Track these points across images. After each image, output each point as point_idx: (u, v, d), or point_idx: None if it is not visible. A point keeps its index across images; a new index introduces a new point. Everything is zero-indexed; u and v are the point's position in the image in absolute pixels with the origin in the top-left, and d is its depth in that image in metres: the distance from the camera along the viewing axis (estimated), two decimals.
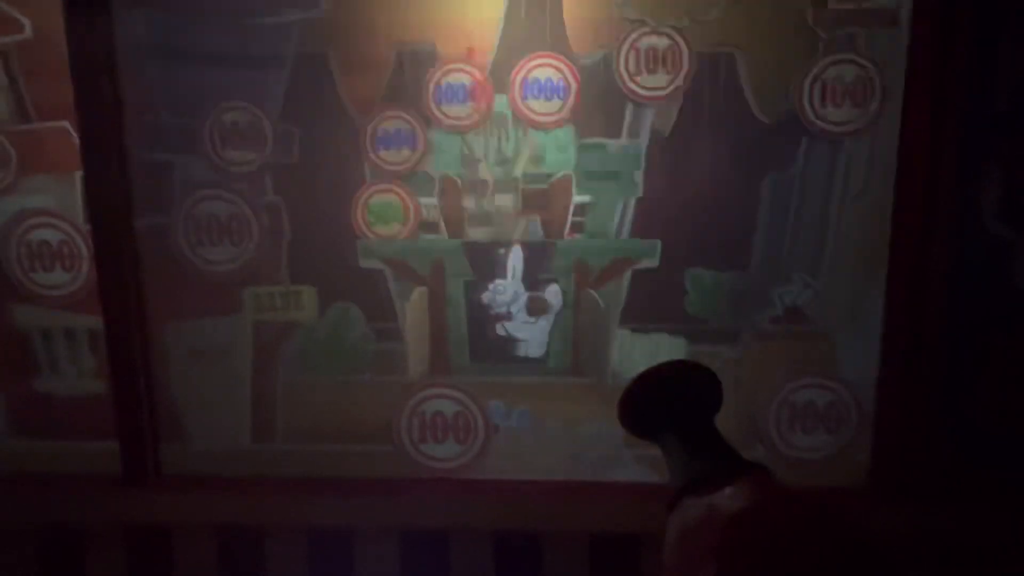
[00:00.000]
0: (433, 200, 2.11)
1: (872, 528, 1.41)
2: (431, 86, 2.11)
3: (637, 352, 2.13)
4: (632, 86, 2.04)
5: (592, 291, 2.12)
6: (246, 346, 2.16)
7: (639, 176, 2.08)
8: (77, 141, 2.12)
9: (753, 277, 2.10)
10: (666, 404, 1.04)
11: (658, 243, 2.09)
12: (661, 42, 2.02)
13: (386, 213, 2.11)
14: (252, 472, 2.18)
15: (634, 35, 2.02)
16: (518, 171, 2.09)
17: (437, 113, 2.08)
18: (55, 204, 2.17)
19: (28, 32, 2.11)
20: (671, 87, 2.04)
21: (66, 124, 2.13)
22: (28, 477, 2.22)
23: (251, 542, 2.18)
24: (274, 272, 2.15)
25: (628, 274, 2.12)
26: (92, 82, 2.08)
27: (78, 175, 2.14)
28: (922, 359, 2.08)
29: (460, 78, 2.11)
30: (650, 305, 2.11)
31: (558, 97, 2.05)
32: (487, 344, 2.15)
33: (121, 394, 2.16)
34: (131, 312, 2.15)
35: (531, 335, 2.12)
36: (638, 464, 2.15)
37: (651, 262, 2.10)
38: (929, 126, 2.01)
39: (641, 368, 2.11)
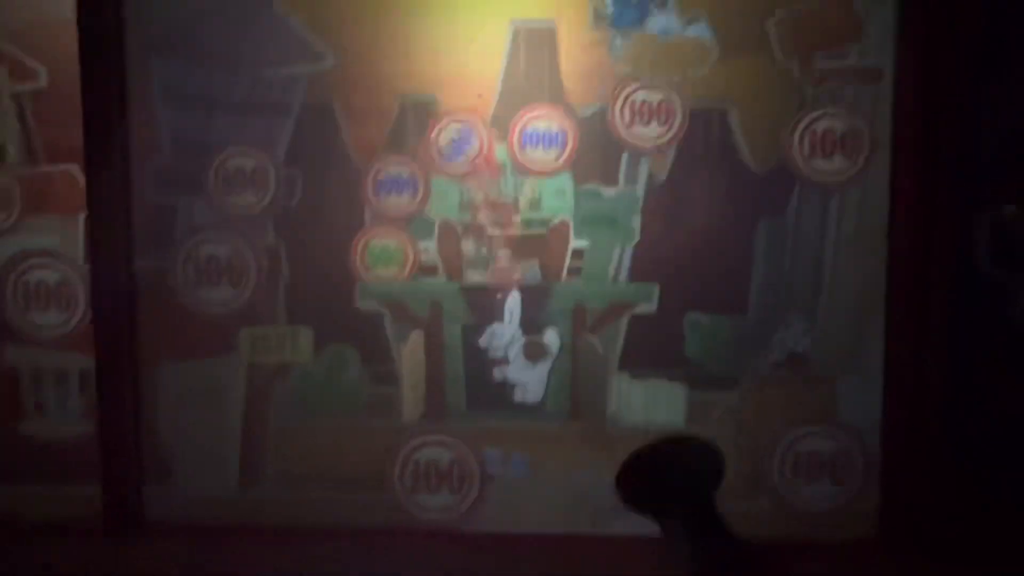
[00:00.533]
0: (432, 244, 1.97)
1: None
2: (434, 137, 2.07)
3: (636, 397, 1.97)
4: (627, 136, 1.94)
5: (590, 336, 1.96)
6: (239, 387, 2.00)
7: (636, 222, 1.98)
8: (83, 183, 1.97)
9: (752, 322, 1.97)
10: (666, 484, 0.97)
11: (656, 287, 1.95)
12: (654, 96, 1.94)
13: (385, 256, 1.99)
14: (238, 519, 1.97)
15: (628, 89, 1.94)
16: (516, 217, 1.96)
17: (438, 162, 2.08)
18: (57, 245, 2.02)
19: (43, 81, 2.04)
20: (665, 138, 1.93)
21: (74, 167, 2.00)
22: (7, 524, 1.96)
23: None
24: (271, 313, 2.00)
25: (626, 319, 1.97)
26: (103, 128, 2.01)
27: (81, 216, 1.99)
28: (926, 403, 1.90)
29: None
30: (648, 350, 1.97)
31: (556, 146, 1.98)
32: (484, 388, 1.99)
33: (108, 436, 1.99)
34: (124, 352, 1.99)
35: (528, 380, 1.96)
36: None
37: (648, 307, 1.96)
38: (918, 175, 1.97)
39: (640, 413, 1.93)
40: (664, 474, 0.97)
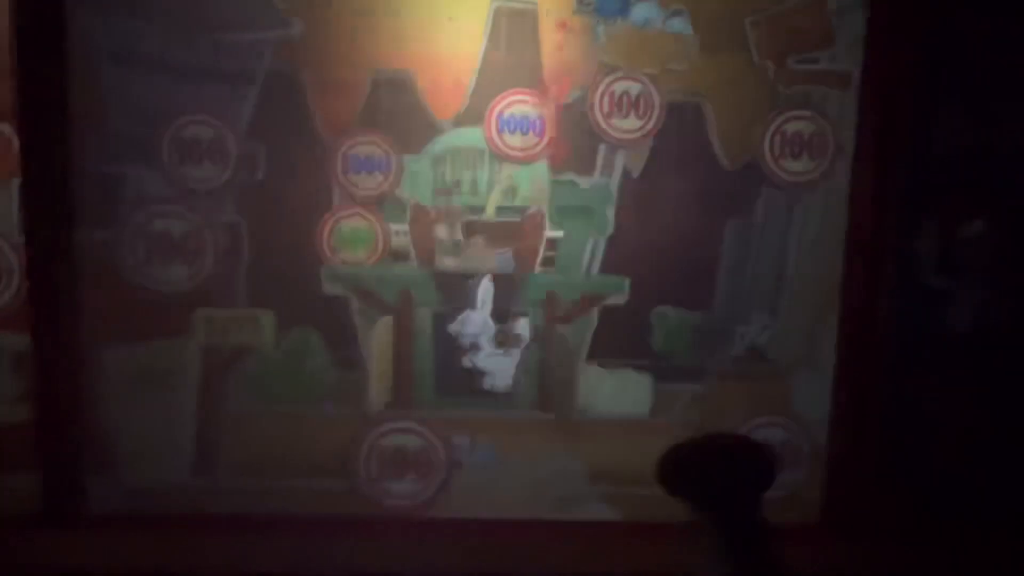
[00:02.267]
0: (403, 227, 1.47)
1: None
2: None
3: (604, 388, 1.56)
4: (605, 127, 1.50)
5: (561, 325, 1.51)
6: (193, 371, 1.47)
7: (611, 213, 1.51)
8: (17, 145, 1.36)
9: (717, 316, 1.56)
10: (720, 478, 0.75)
11: (627, 280, 1.51)
12: (634, 87, 1.47)
13: (354, 238, 1.47)
14: (191, 508, 1.45)
15: (609, 78, 1.46)
16: (491, 203, 1.48)
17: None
18: None
19: None
20: (642, 131, 1.48)
21: (6, 127, 1.38)
22: None
23: None
24: (230, 295, 1.46)
25: (597, 310, 1.52)
26: (38, 84, 1.38)
27: (16, 182, 1.38)
28: (871, 400, 1.55)
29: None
30: (617, 341, 1.55)
31: (534, 133, 1.48)
32: (453, 377, 1.53)
33: (46, 421, 1.41)
34: (63, 331, 1.42)
35: (498, 368, 1.51)
36: (602, 502, 1.53)
37: (619, 299, 1.54)
38: (875, 182, 1.60)
39: (607, 403, 1.51)
40: (716, 465, 0.80)
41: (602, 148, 1.57)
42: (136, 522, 1.47)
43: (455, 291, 1.56)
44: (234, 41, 1.48)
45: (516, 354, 1.58)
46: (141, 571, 1.46)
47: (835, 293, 1.62)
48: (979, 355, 1.65)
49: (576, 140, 1.56)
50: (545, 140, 1.54)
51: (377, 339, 1.54)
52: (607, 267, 1.58)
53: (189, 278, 1.50)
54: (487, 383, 1.57)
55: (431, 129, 1.53)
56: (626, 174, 1.57)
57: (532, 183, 1.55)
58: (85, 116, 1.46)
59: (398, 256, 1.54)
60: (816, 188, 1.61)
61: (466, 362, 1.56)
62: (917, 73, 1.57)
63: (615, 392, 1.58)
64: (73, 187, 1.47)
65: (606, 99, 1.54)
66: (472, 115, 1.52)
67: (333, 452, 1.53)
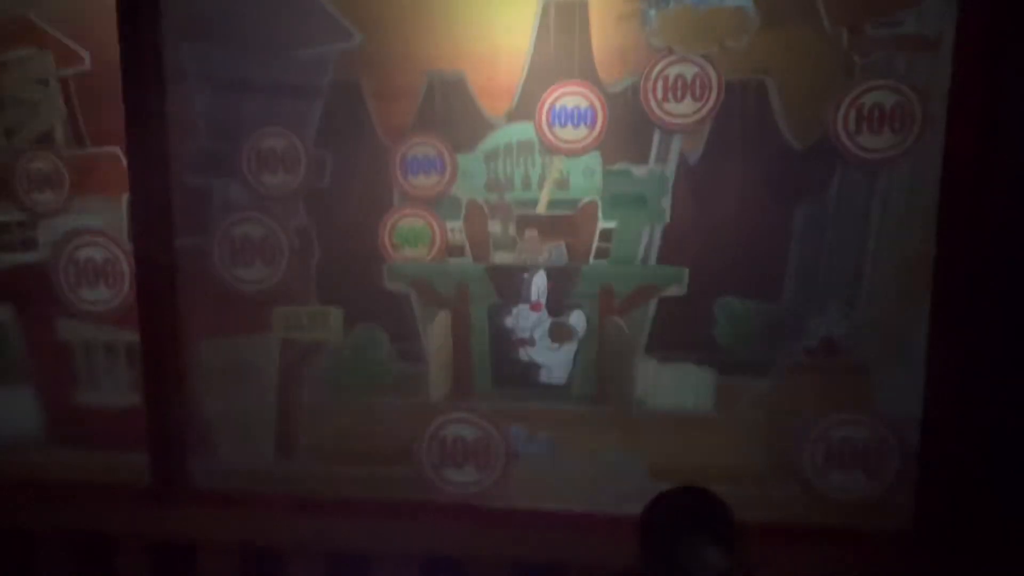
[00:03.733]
0: (459, 224, 1.20)
1: None
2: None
3: (663, 381, 1.21)
4: (660, 113, 1.15)
5: (617, 318, 1.18)
6: (273, 364, 1.27)
7: (666, 202, 1.17)
8: (125, 165, 1.23)
9: (786, 307, 1.17)
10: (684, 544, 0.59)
11: (685, 270, 1.15)
12: (689, 70, 1.14)
13: (413, 236, 1.22)
14: (273, 488, 1.26)
15: (662, 63, 1.12)
16: (544, 197, 1.18)
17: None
18: (103, 224, 1.30)
19: (87, 64, 1.30)
20: (699, 115, 1.11)
21: (117, 149, 1.27)
22: (63, 485, 1.33)
23: (271, 562, 1.23)
24: (303, 292, 1.27)
25: (654, 302, 1.17)
26: (142, 110, 1.27)
27: (125, 197, 1.26)
28: (971, 397, 1.09)
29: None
30: (677, 334, 1.19)
31: (585, 124, 1.17)
32: (510, 369, 1.24)
33: (154, 407, 1.31)
34: (167, 328, 1.29)
35: (554, 361, 1.20)
36: None
37: (678, 290, 1.18)
38: (975, 153, 1.11)
39: (667, 397, 1.14)
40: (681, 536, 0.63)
41: (657, 135, 1.22)
42: (230, 499, 1.32)
43: (510, 285, 1.27)
44: (302, 56, 1.27)
45: (571, 348, 1.27)
46: (231, 542, 1.30)
47: (924, 278, 1.17)
48: None
49: (629, 128, 1.22)
50: (597, 131, 1.22)
51: (436, 332, 1.29)
52: (664, 257, 1.24)
53: (268, 278, 1.32)
54: (543, 376, 1.28)
55: (484, 126, 1.26)
56: (683, 160, 1.22)
57: (585, 174, 1.23)
58: (179, 135, 1.31)
59: (454, 252, 1.28)
60: (900, 164, 1.16)
61: (522, 355, 1.28)
62: (1018, 28, 1.07)
63: (675, 386, 1.23)
64: (172, 200, 1.32)
65: (660, 84, 1.20)
66: (524, 110, 1.24)
67: (397, 441, 1.30)
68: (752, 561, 0.66)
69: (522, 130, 1.23)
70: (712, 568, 0.62)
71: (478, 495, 1.27)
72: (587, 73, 1.21)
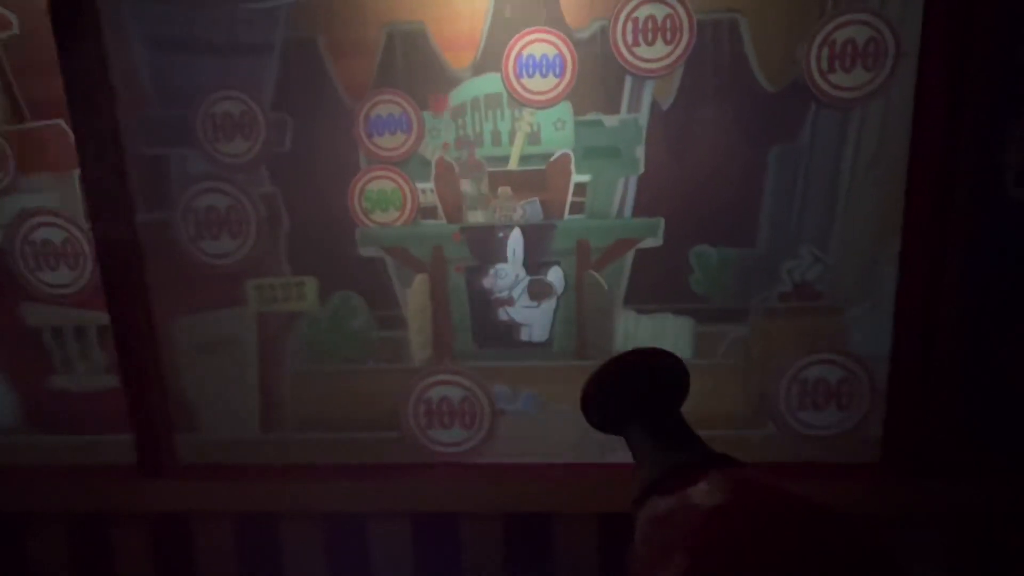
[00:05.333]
0: (430, 184, 0.88)
1: (863, 524, 0.37)
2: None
3: (642, 333, 0.98)
4: (630, 58, 0.85)
5: (594, 272, 0.90)
6: (251, 338, 0.99)
7: (640, 152, 0.89)
8: (73, 138, 0.86)
9: (760, 253, 0.93)
10: (630, 396, 0.47)
11: (661, 221, 0.87)
12: (660, 10, 0.86)
13: (383, 200, 0.92)
14: (262, 460, 0.98)
15: (631, 4, 0.82)
16: (515, 152, 0.86)
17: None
18: (56, 203, 1.00)
19: (16, 28, 0.91)
20: (671, 59, 0.80)
21: (61, 122, 0.90)
22: (48, 469, 1.08)
23: (267, 527, 1.00)
24: (275, 263, 0.97)
25: (631, 254, 0.89)
26: (82, 77, 0.92)
27: (77, 173, 0.89)
28: (937, 333, 0.89)
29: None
30: (654, 285, 0.96)
31: (554, 74, 0.87)
32: (491, 329, 1.01)
33: (132, 388, 1.05)
34: (137, 307, 1.00)
35: (534, 319, 0.95)
36: None
37: (654, 241, 0.93)
38: (947, 86, 1.00)
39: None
40: (628, 385, 0.48)
41: (628, 81, 0.92)
42: (220, 471, 1.05)
43: (486, 245, 0.98)
44: (252, 10, 0.92)
45: (551, 305, 0.99)
46: (225, 512, 1.03)
47: (895, 219, 0.92)
48: None
49: (599, 76, 0.92)
50: (566, 80, 0.90)
51: (414, 296, 1.01)
52: (640, 209, 0.98)
53: (237, 250, 1.00)
54: (524, 334, 1.02)
55: (449, 81, 0.93)
56: (655, 107, 0.92)
57: (556, 127, 0.93)
58: (127, 102, 0.95)
59: (427, 214, 0.97)
60: (872, 103, 0.89)
61: (502, 314, 1.01)
62: None
63: (654, 337, 1.00)
64: (127, 172, 0.98)
65: (629, 26, 0.92)
66: (489, 61, 0.92)
67: (383, 405, 1.05)
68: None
69: (489, 82, 0.92)
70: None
71: (466, 453, 1.02)
72: (553, 18, 0.92)
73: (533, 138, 1.06)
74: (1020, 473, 1.05)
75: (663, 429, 0.46)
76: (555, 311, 1.11)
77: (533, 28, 1.02)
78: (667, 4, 0.99)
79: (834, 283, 1.06)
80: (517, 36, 1.02)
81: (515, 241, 1.07)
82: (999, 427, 1.06)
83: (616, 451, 1.11)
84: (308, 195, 1.10)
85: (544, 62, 1.03)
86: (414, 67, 1.04)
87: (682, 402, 0.49)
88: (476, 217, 1.09)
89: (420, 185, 1.08)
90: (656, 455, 0.44)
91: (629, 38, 1.01)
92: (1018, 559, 1.07)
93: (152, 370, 1.14)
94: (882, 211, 1.04)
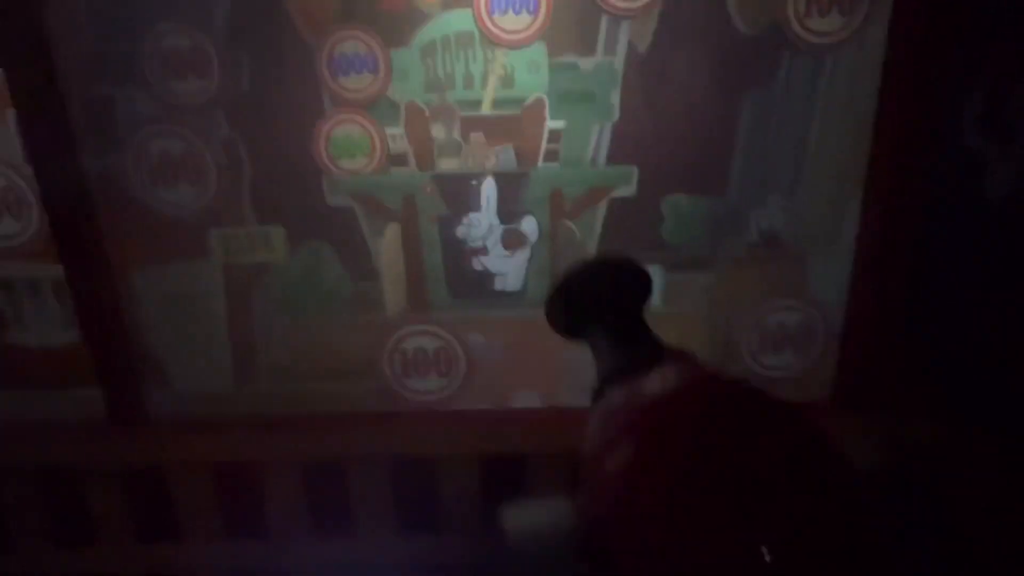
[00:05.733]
0: (399, 130, 0.78)
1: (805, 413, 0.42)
2: None
3: None
4: None
5: (568, 222, 0.84)
6: (218, 290, 0.89)
7: (615, 98, 0.80)
8: (3, 75, 0.72)
9: (730, 202, 0.89)
10: (592, 299, 0.45)
11: (635, 170, 0.81)
12: None
13: (351, 146, 0.82)
14: (238, 411, 0.89)
15: None
16: (487, 96, 0.77)
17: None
18: None
19: None
20: None
21: None
22: (13, 426, 0.95)
23: (247, 475, 0.94)
24: (239, 213, 0.87)
25: (604, 203, 0.83)
26: (12, 8, 0.68)
27: (11, 113, 0.74)
28: (892, 278, 0.85)
29: None
30: (627, 234, 0.93)
31: (528, 11, 0.75)
32: (465, 279, 0.94)
33: (95, 342, 0.91)
34: (93, 258, 0.85)
35: (508, 269, 0.89)
36: None
37: (628, 190, 0.85)
38: (918, 32, 0.81)
39: None
40: (591, 288, 0.46)
41: (604, 21, 0.83)
42: (195, 423, 0.97)
43: (459, 193, 0.90)
44: None
45: (524, 254, 0.93)
46: (202, 463, 0.97)
47: (859, 170, 0.87)
48: (1016, 225, 0.91)
49: (575, 15, 0.82)
50: (540, 18, 0.81)
51: (387, 246, 0.93)
52: (614, 156, 0.90)
53: (197, 199, 0.89)
54: (499, 284, 0.96)
55: (417, 16, 0.82)
56: (632, 50, 0.84)
57: (530, 69, 0.83)
58: (63, 36, 0.80)
59: (397, 161, 0.88)
60: (846, 48, 0.83)
61: (476, 264, 0.95)
62: None
63: None
64: (68, 113, 0.84)
65: None
66: None
67: (359, 356, 0.99)
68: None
69: (459, 19, 0.81)
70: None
71: (442, 401, 0.98)
72: None
73: (506, 81, 0.96)
74: (961, 408, 1.08)
75: (623, 329, 0.44)
76: (529, 260, 1.06)
77: None
78: None
79: (798, 232, 1.04)
80: None
81: (489, 190, 1.00)
82: (944, 367, 1.08)
83: (587, 396, 1.09)
84: (270, 140, 0.99)
85: None
86: (379, 1, 0.92)
87: (643, 305, 0.47)
88: (448, 165, 1.00)
89: (389, 130, 0.98)
90: (614, 352, 0.41)
91: None
92: (957, 485, 1.12)
93: (115, 323, 1.04)
94: (850, 161, 1.00)
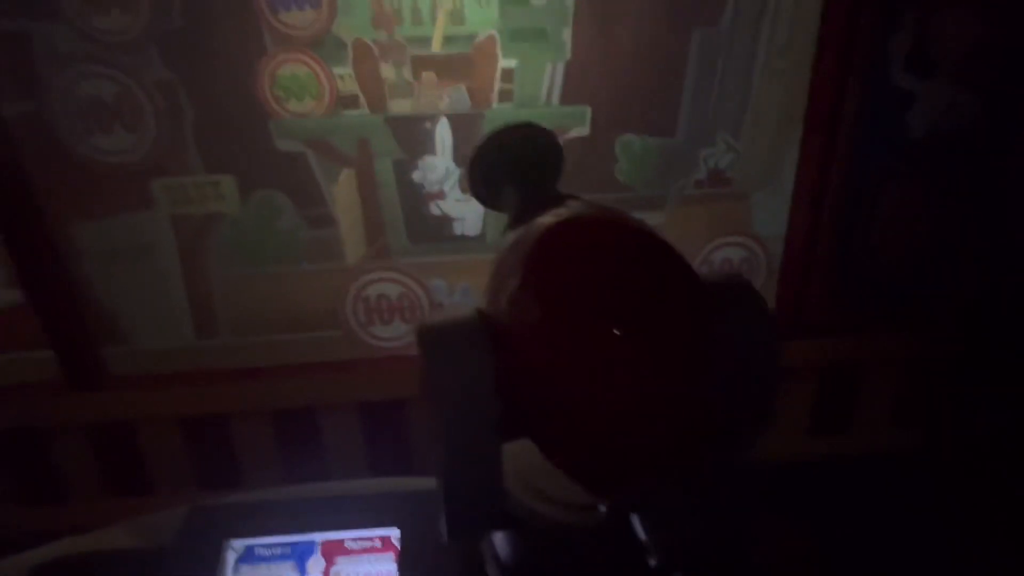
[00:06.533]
0: (348, 70, 0.75)
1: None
2: None
3: None
4: None
5: None
6: (168, 243, 0.85)
7: (567, 35, 0.78)
8: None
9: (680, 141, 0.90)
10: (507, 163, 0.45)
11: (588, 110, 0.81)
12: None
13: (297, 87, 0.78)
14: (201, 366, 0.89)
15: None
16: (437, 32, 0.74)
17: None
18: None
19: None
20: None
21: None
22: None
23: (217, 426, 0.93)
24: (183, 161, 0.80)
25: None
26: None
27: None
28: (824, 211, 0.93)
29: None
30: (581, 175, 0.93)
31: None
32: (424, 224, 0.93)
33: (40, 301, 0.87)
34: (26, 213, 0.77)
35: (466, 213, 0.89)
36: None
37: (582, 130, 0.84)
38: None
39: None
40: (503, 156, 0.45)
41: None
42: (156, 380, 0.96)
43: (413, 136, 0.89)
44: None
45: None
46: (170, 416, 0.97)
47: (801, 106, 0.92)
48: (939, 158, 0.99)
49: None
50: None
51: (342, 193, 0.91)
52: (568, 96, 0.89)
53: (135, 147, 0.84)
54: (457, 228, 0.96)
55: None
56: None
57: (480, 4, 0.81)
58: None
59: (348, 103, 0.86)
60: None
61: (434, 209, 0.94)
62: None
63: None
64: None
65: None
66: None
67: (322, 306, 0.98)
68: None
69: None
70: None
71: (408, 346, 0.99)
72: None
73: (455, 17, 0.94)
74: (884, 330, 1.19)
75: (535, 191, 0.45)
76: None
77: None
78: None
79: (743, 170, 1.08)
80: None
81: (443, 131, 0.99)
82: (870, 293, 1.18)
83: None
84: (212, 82, 0.94)
85: None
86: None
87: (556, 176, 0.48)
88: (400, 107, 0.98)
89: (337, 70, 0.95)
90: (524, 208, 0.42)
91: None
92: (879, 397, 1.25)
93: (59, 281, 1.00)
94: (789, 99, 1.04)
